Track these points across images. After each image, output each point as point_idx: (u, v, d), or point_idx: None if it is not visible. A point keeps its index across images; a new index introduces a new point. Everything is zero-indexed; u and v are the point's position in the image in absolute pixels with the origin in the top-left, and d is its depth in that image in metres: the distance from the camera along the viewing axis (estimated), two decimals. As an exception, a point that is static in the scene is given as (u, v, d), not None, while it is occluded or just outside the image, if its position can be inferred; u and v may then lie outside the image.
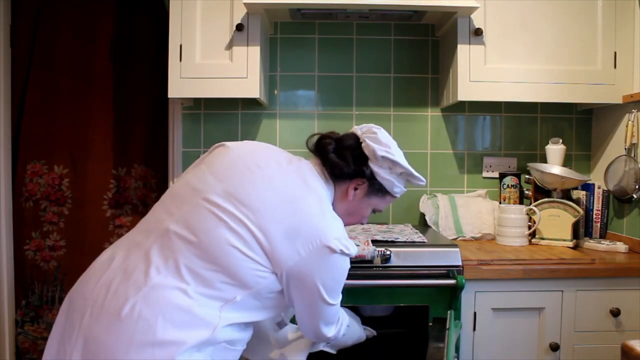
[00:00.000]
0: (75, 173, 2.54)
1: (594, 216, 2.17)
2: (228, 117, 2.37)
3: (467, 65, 2.03)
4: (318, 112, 2.39)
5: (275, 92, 2.37)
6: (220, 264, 1.12)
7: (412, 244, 1.79)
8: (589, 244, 2.03)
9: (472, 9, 1.96)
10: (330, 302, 1.23)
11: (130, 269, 1.13)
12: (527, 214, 2.06)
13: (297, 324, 1.33)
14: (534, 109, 2.39)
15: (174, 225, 1.16)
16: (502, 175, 2.26)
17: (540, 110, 2.40)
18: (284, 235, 1.15)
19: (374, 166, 1.31)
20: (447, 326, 1.54)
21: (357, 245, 1.66)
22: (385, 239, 1.82)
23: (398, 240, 1.82)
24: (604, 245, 1.99)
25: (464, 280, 1.65)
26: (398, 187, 1.36)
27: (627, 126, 2.04)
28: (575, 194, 2.16)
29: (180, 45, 1.98)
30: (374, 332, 1.63)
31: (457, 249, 1.75)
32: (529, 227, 2.06)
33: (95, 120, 2.53)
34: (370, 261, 1.68)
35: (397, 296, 1.73)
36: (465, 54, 2.03)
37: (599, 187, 2.15)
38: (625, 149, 2.05)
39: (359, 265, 1.67)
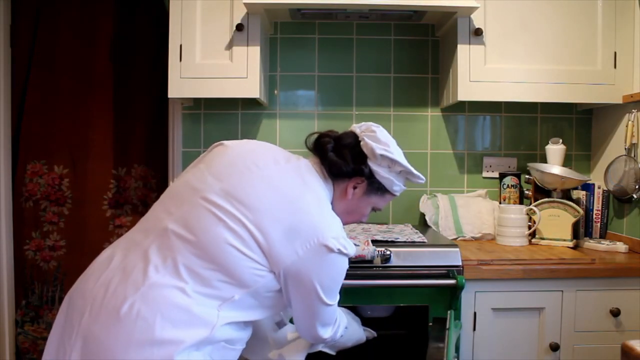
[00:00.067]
0: (75, 173, 2.54)
1: (594, 216, 2.17)
2: (228, 117, 2.37)
3: (467, 65, 2.03)
4: (318, 112, 2.39)
5: (275, 92, 2.37)
6: (219, 262, 1.12)
7: (412, 244, 1.79)
8: (589, 244, 2.03)
9: (472, 9, 1.96)
10: (327, 302, 1.22)
11: (129, 268, 1.13)
12: (527, 214, 2.06)
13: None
14: (534, 109, 2.39)
15: (172, 225, 1.16)
16: (502, 175, 2.26)
17: (540, 110, 2.39)
18: (282, 235, 1.14)
19: (373, 164, 1.30)
20: (447, 326, 1.53)
21: (357, 245, 1.66)
22: (385, 239, 1.82)
23: (398, 240, 1.82)
24: (604, 245, 1.99)
25: (464, 280, 1.65)
26: (397, 186, 1.35)
27: (627, 126, 2.04)
28: (575, 194, 2.16)
29: (180, 45, 1.98)
30: (374, 334, 1.62)
31: (457, 249, 1.75)
32: (529, 227, 2.06)
33: (95, 120, 2.53)
34: (370, 261, 1.68)
35: (397, 296, 1.73)
36: (465, 54, 2.03)
37: (599, 187, 2.15)
38: (625, 149, 2.04)
39: (359, 265, 1.67)
